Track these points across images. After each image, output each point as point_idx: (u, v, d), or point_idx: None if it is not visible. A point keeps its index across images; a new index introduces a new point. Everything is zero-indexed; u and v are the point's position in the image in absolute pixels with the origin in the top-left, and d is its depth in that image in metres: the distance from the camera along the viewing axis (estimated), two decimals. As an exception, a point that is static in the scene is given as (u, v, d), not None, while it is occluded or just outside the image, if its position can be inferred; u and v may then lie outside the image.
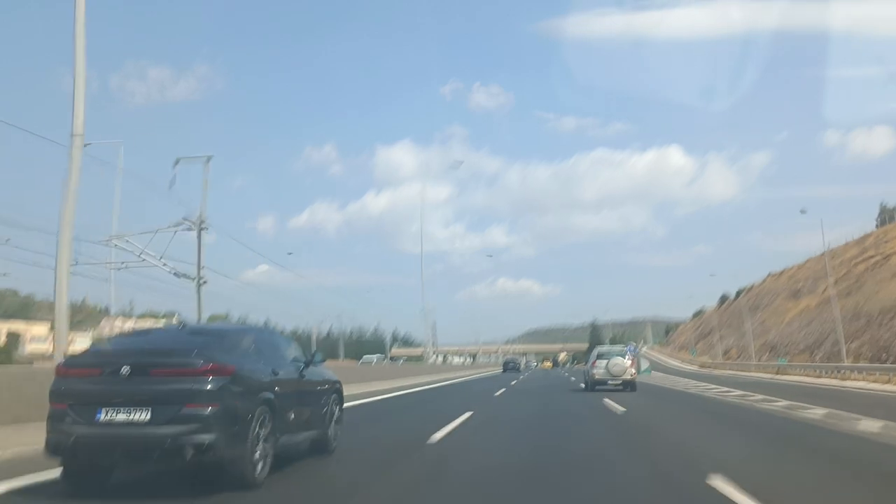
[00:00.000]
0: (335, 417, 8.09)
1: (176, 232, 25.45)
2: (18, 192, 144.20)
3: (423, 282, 39.50)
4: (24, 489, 5.80)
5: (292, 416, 6.70)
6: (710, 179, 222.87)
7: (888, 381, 28.53)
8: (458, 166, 41.55)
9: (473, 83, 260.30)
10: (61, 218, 11.95)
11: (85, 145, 12.50)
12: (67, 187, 11.91)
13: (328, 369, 8.47)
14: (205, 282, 25.53)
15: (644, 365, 46.67)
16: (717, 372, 55.91)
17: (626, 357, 24.35)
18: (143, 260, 25.01)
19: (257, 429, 5.90)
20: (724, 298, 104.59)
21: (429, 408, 17.40)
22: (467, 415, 13.50)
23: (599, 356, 24.57)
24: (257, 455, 5.86)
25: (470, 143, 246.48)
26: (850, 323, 45.31)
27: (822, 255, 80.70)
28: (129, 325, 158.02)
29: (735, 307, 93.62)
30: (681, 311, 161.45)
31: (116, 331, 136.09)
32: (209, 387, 5.44)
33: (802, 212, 43.56)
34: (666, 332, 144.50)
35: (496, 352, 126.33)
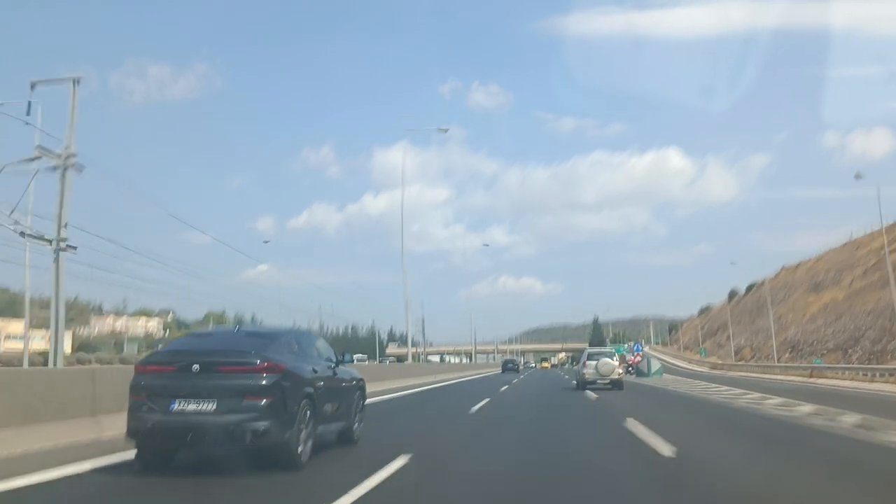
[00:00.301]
0: (359, 411, 8.98)
1: (36, 174, 18.56)
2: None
3: (404, 270, 32.28)
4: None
5: (327, 408, 7.57)
6: (709, 181, 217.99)
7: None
8: (445, 132, 37.47)
9: (472, 82, 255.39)
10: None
11: None
12: None
13: (354, 368, 9.36)
14: (68, 246, 18.39)
15: (654, 366, 40.17)
16: (733, 374, 49.36)
17: (615, 358, 25.03)
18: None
19: (302, 418, 6.78)
20: (733, 294, 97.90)
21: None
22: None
23: (590, 357, 25.15)
24: (301, 440, 6.76)
25: (468, 144, 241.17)
26: (891, 318, 38.57)
27: (843, 246, 74.44)
28: (122, 322, 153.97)
29: (745, 303, 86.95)
30: (682, 310, 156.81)
31: (108, 328, 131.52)
32: (264, 382, 6.36)
33: (858, 177, 35.99)
34: (669, 330, 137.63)
35: (493, 351, 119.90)
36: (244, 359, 6.44)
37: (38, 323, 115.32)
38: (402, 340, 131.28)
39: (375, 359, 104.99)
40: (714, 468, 7.32)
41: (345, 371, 8.62)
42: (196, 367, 6.25)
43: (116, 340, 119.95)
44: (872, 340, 39.17)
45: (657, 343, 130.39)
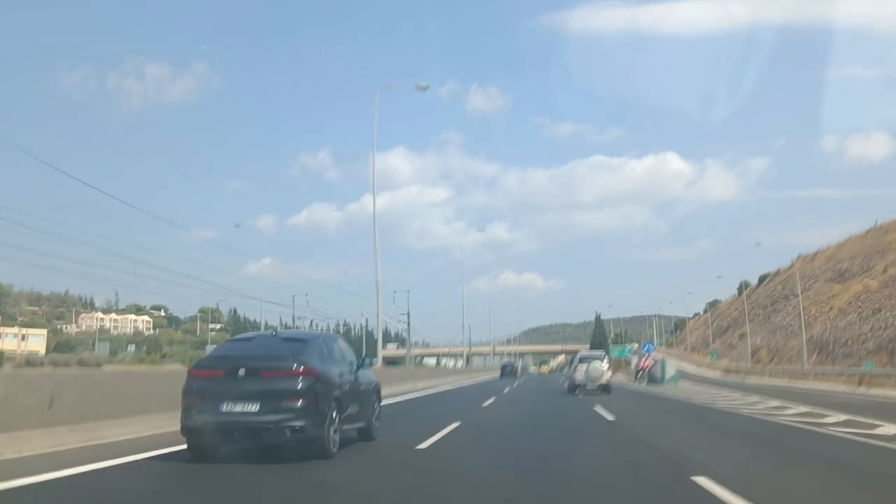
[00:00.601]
0: (376, 412, 9.65)
1: None
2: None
3: (376, 244, 25.63)
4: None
5: (351, 409, 8.36)
6: (709, 182, 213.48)
7: None
8: (425, 89, 32.72)
9: (471, 85, 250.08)
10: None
11: None
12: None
13: (371, 371, 10.04)
14: None
15: (670, 371, 33.87)
16: (753, 380, 43.04)
17: (604, 362, 25.39)
18: None
19: (331, 417, 7.55)
20: (743, 286, 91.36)
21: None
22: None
23: (581, 360, 25.40)
24: (331, 436, 7.57)
25: (466, 149, 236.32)
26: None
27: (867, 233, 68.02)
28: (111, 318, 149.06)
29: (757, 297, 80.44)
30: (685, 308, 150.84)
31: (96, 325, 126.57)
32: (300, 385, 7.17)
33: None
34: (674, 329, 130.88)
35: (489, 353, 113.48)
36: (284, 364, 7.24)
37: (22, 321, 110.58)
38: (402, 341, 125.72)
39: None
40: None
41: (365, 374, 9.32)
42: (242, 371, 7.10)
43: (100, 339, 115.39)
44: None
45: (661, 343, 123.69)
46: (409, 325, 60.36)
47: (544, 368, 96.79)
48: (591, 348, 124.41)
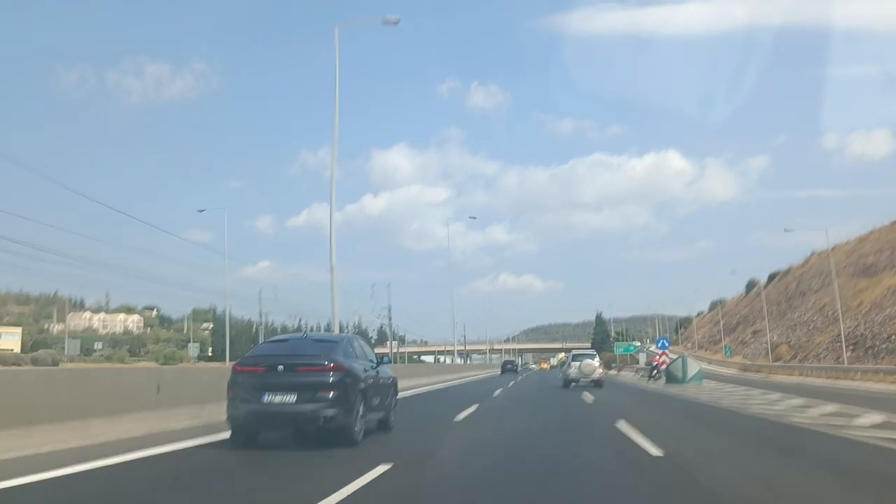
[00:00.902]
0: (393, 405, 10.52)
1: None
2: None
3: (331, 223, 21.06)
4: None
5: (373, 401, 9.05)
6: (709, 181, 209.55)
7: None
8: (396, 23, 28.98)
9: (471, 82, 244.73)
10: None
11: None
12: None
13: (389, 368, 10.70)
14: None
15: (692, 369, 29.26)
16: (781, 378, 38.51)
17: (595, 360, 27.30)
18: None
19: (357, 408, 8.28)
20: (751, 285, 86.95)
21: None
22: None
23: (574, 358, 27.71)
24: (358, 424, 8.29)
25: (467, 146, 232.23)
26: None
27: (893, 225, 63.55)
28: (100, 317, 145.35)
29: (769, 294, 75.92)
30: (684, 307, 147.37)
31: (84, 325, 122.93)
32: (332, 379, 7.92)
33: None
34: (677, 328, 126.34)
35: (486, 350, 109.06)
36: (317, 361, 8.05)
37: (8, 321, 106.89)
38: (401, 339, 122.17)
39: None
40: None
41: (384, 370, 10.09)
42: (280, 367, 7.87)
43: (72, 337, 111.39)
44: None
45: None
46: (389, 319, 55.39)
47: (545, 365, 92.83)
48: (592, 346, 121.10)
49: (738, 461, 7.56)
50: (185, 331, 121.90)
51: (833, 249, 66.71)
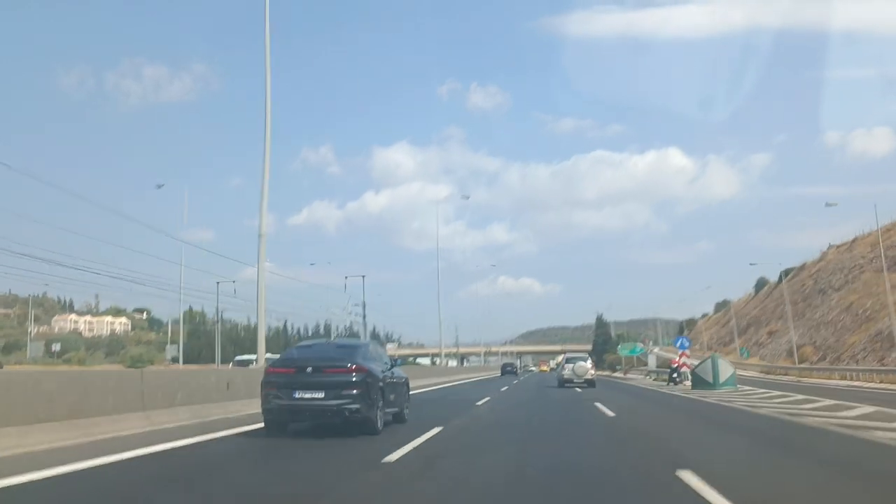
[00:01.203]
0: (407, 401, 11.55)
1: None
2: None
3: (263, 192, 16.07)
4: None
5: (390, 397, 10.10)
6: (710, 179, 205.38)
7: None
8: None
9: (471, 83, 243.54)
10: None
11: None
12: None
13: (401, 370, 11.85)
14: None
15: (726, 371, 24.06)
16: (817, 381, 33.41)
17: (588, 362, 28.77)
18: None
19: (377, 403, 9.32)
20: (761, 284, 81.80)
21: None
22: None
23: (567, 360, 29.67)
24: (379, 417, 9.34)
25: (468, 144, 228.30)
26: None
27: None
28: (86, 320, 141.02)
29: (782, 293, 70.60)
30: (684, 311, 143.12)
31: (70, 327, 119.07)
32: (355, 379, 8.99)
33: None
34: (680, 329, 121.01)
35: (481, 353, 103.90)
36: (342, 363, 9.15)
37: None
38: (398, 341, 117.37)
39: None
40: None
41: (397, 371, 11.18)
42: (310, 369, 9.01)
43: (62, 340, 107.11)
44: None
45: (668, 343, 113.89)
46: (364, 317, 50.09)
47: (544, 367, 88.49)
48: (592, 349, 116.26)
49: None
50: (170, 334, 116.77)
51: (854, 241, 61.48)
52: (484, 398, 18.40)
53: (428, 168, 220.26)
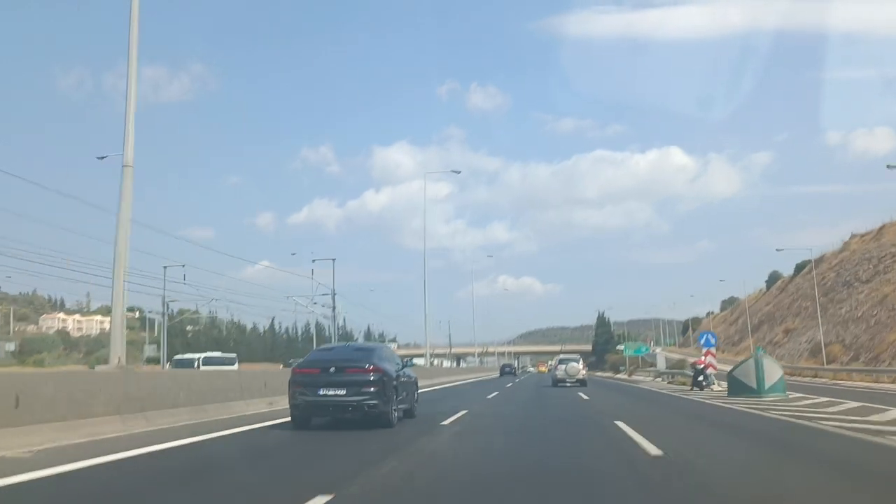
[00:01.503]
0: (416, 398, 12.84)
1: None
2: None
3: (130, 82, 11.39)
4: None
5: (402, 395, 11.23)
6: (712, 178, 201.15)
7: None
8: None
9: (470, 84, 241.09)
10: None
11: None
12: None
13: (411, 371, 12.97)
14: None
15: (774, 373, 19.03)
16: (860, 384, 28.70)
17: (579, 363, 30.81)
18: None
19: (393, 399, 10.41)
20: (774, 278, 76.90)
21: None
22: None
23: (560, 362, 32.20)
24: (394, 411, 10.46)
25: (468, 143, 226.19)
26: None
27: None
28: (76, 318, 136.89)
29: (799, 288, 65.70)
30: (684, 311, 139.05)
31: (57, 326, 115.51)
32: (372, 378, 10.06)
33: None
34: (684, 329, 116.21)
35: (476, 354, 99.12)
36: (361, 364, 10.23)
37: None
38: (394, 342, 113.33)
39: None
40: None
41: (408, 371, 12.28)
42: (332, 369, 10.12)
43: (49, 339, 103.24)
44: None
45: (671, 343, 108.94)
46: (333, 308, 44.75)
47: (543, 368, 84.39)
48: (592, 349, 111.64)
49: None
50: (156, 333, 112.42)
51: (882, 229, 56.62)
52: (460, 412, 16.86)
53: (428, 167, 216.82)
